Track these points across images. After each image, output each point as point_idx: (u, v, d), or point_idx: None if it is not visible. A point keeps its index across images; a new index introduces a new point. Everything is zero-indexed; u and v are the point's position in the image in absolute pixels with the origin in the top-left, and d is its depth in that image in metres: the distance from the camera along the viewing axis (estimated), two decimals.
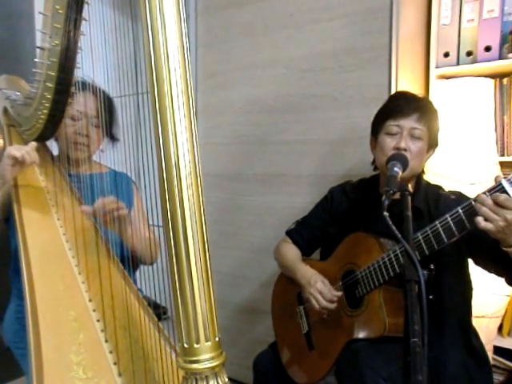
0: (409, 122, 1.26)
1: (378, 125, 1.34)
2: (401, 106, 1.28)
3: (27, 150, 1.20)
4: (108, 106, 1.41)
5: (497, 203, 0.99)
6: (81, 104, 1.35)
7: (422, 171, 1.39)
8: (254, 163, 2.09)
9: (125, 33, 1.07)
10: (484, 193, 1.03)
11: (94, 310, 1.01)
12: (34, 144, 1.24)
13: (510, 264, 1.10)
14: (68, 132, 1.36)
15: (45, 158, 1.43)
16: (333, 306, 1.30)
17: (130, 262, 1.29)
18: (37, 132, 1.30)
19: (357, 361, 1.20)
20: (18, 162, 1.20)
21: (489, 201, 1.01)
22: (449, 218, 1.09)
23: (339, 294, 1.32)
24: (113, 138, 1.48)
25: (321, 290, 1.32)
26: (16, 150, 1.19)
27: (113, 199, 1.21)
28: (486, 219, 1.01)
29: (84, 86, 1.29)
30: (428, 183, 1.38)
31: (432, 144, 1.32)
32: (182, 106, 0.61)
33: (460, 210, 1.07)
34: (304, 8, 1.88)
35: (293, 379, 1.43)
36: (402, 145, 1.24)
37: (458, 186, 1.50)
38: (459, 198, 1.26)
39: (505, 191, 1.00)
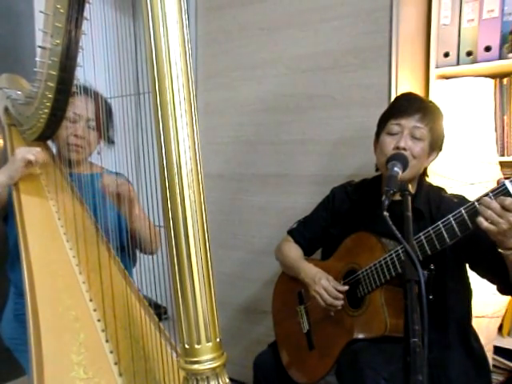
0: (410, 122, 1.25)
1: (380, 125, 1.34)
2: (403, 105, 1.28)
3: (37, 151, 1.27)
4: (105, 109, 1.41)
5: (502, 207, 0.99)
6: (78, 106, 1.36)
7: (426, 174, 1.38)
8: (254, 163, 2.09)
9: (126, 32, 1.07)
10: (487, 194, 1.03)
11: (95, 310, 1.01)
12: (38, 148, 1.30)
13: (503, 270, 1.11)
14: (64, 133, 1.37)
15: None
16: (339, 303, 1.29)
17: (131, 254, 1.31)
18: (38, 131, 1.30)
19: (357, 361, 1.20)
20: (31, 163, 1.26)
21: (494, 204, 1.00)
22: (451, 219, 1.09)
23: (345, 288, 1.31)
24: (109, 140, 1.49)
25: (326, 287, 1.31)
26: (29, 153, 1.25)
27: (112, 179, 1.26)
28: (490, 222, 1.01)
29: (83, 89, 1.29)
30: (430, 184, 1.38)
31: (434, 146, 1.30)
32: (183, 100, 0.60)
33: (463, 211, 1.07)
34: (304, 8, 1.88)
35: (293, 379, 1.43)
36: (402, 144, 1.24)
37: (458, 186, 1.51)
38: (462, 202, 1.23)
39: (508, 192, 1.01)
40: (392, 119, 1.28)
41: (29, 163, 1.25)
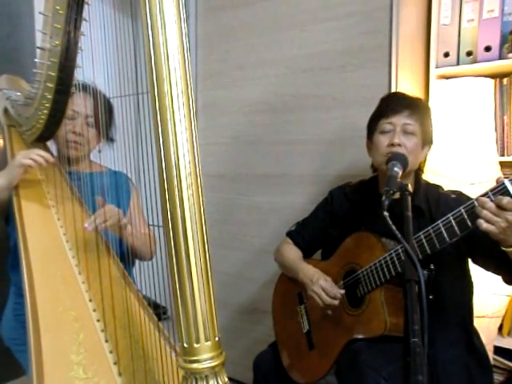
0: (400, 119, 1.28)
1: (372, 126, 1.36)
2: (392, 104, 1.32)
3: (36, 153, 1.24)
4: (106, 107, 1.41)
5: (499, 206, 0.99)
6: (76, 103, 1.36)
7: (421, 169, 1.40)
8: (254, 163, 2.09)
9: (125, 33, 1.07)
10: (486, 193, 1.04)
11: (95, 310, 1.01)
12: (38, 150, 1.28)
13: (508, 263, 1.11)
14: (63, 130, 1.37)
15: None
16: (336, 302, 1.31)
17: (130, 257, 1.31)
18: (37, 132, 1.30)
19: (357, 360, 1.20)
20: (30, 167, 1.24)
21: (489, 203, 1.01)
22: (451, 218, 1.09)
23: (342, 291, 1.32)
24: (109, 138, 1.49)
25: (324, 287, 1.32)
26: (25, 159, 1.23)
27: (113, 209, 1.21)
28: (487, 221, 1.01)
29: (83, 86, 1.29)
30: (427, 182, 1.39)
31: (426, 140, 1.33)
32: (182, 106, 0.61)
33: (462, 210, 1.07)
34: (304, 8, 1.88)
35: (293, 379, 1.43)
36: (396, 140, 1.26)
37: (458, 186, 1.50)
38: (459, 197, 1.26)
39: (507, 191, 1.00)
40: (383, 119, 1.31)
41: (28, 167, 1.25)
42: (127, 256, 1.31)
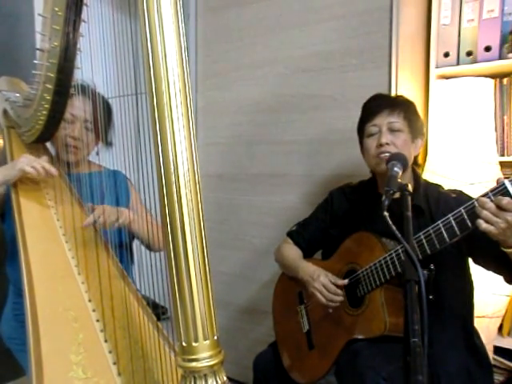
0: (383, 118, 1.30)
1: (360, 131, 1.39)
2: (373, 106, 1.35)
3: (41, 163, 1.23)
4: (105, 110, 1.41)
5: (499, 207, 0.99)
6: (75, 107, 1.36)
7: (418, 164, 1.42)
8: (253, 163, 2.09)
9: (124, 34, 1.07)
10: (486, 193, 1.03)
11: (94, 310, 1.02)
12: (45, 158, 1.28)
13: (508, 263, 1.11)
14: (61, 134, 1.37)
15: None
16: (338, 298, 1.31)
17: (130, 255, 1.32)
18: (36, 133, 1.30)
19: (357, 360, 1.20)
20: (29, 174, 1.23)
21: (490, 204, 1.01)
22: (451, 218, 1.09)
23: (344, 282, 1.32)
24: (107, 142, 1.48)
25: (324, 283, 1.32)
26: (28, 166, 1.22)
27: (112, 209, 1.22)
28: (487, 222, 1.01)
29: (82, 89, 1.29)
30: (427, 181, 1.39)
31: (416, 134, 1.34)
32: (180, 104, 0.61)
33: (462, 210, 1.07)
34: (304, 8, 1.88)
35: (293, 379, 1.43)
36: (383, 140, 1.28)
37: (458, 186, 1.50)
38: (460, 196, 1.27)
39: (507, 191, 1.00)
40: (368, 122, 1.34)
41: (27, 174, 1.24)
42: (127, 254, 1.31)
